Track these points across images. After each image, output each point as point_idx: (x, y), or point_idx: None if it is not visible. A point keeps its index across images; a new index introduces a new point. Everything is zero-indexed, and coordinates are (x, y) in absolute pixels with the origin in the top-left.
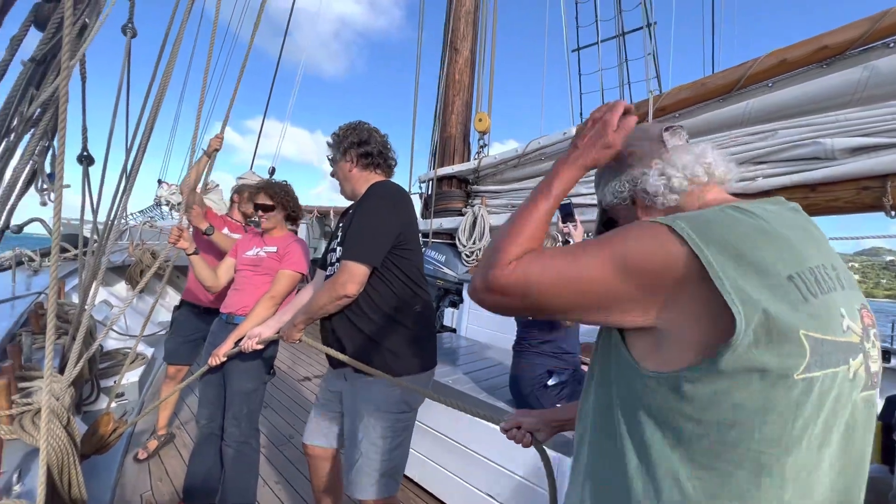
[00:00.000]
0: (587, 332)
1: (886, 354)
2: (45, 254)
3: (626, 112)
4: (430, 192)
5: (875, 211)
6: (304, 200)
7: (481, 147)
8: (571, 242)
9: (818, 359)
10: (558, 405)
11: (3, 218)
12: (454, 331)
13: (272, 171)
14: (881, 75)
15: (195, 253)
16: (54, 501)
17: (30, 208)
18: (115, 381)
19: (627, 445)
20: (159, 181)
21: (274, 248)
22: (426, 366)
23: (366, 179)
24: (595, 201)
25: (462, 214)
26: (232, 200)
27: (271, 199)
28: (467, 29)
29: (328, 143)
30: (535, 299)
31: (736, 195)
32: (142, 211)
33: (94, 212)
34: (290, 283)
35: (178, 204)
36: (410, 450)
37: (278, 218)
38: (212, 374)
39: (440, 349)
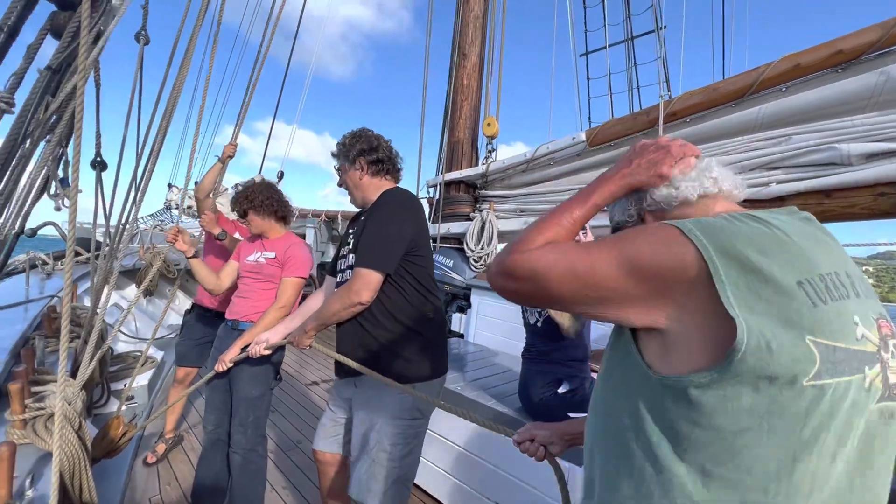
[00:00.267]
0: (597, 340)
1: None
2: (58, 257)
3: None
4: (437, 197)
5: (892, 217)
6: (311, 202)
7: (489, 152)
8: None
9: (830, 366)
10: (569, 414)
11: (18, 223)
12: (462, 336)
13: (280, 175)
14: None
15: (195, 256)
16: None
17: (41, 212)
18: (125, 385)
19: (636, 451)
20: (169, 185)
21: (272, 254)
22: (438, 372)
23: (376, 187)
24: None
25: (470, 219)
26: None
27: (242, 206)
28: (475, 34)
29: (333, 154)
30: (544, 286)
31: (748, 201)
32: (152, 214)
33: (107, 217)
34: (295, 291)
35: (189, 208)
36: (420, 457)
37: (263, 220)
38: (218, 380)
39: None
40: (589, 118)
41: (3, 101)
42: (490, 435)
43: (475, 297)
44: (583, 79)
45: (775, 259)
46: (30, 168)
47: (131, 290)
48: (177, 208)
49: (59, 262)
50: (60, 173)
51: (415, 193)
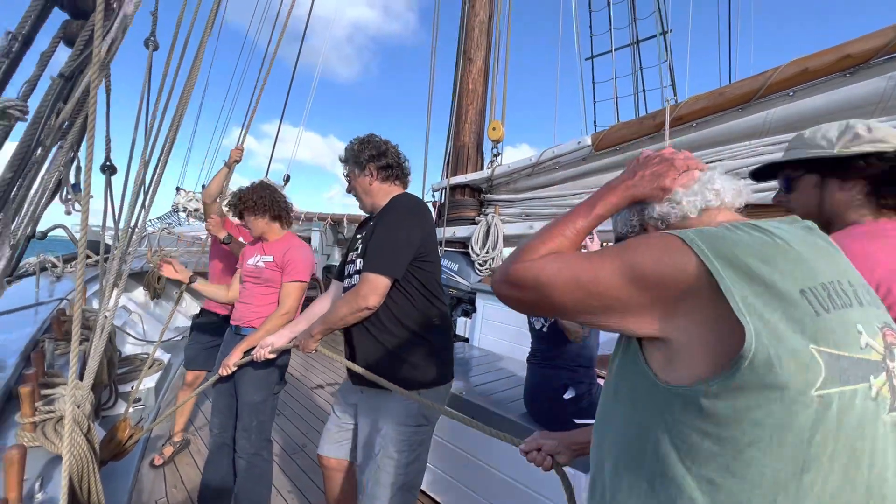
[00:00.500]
0: (604, 345)
1: None
2: (68, 260)
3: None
4: (443, 201)
5: None
6: (317, 204)
7: (495, 156)
8: None
9: (835, 375)
10: (575, 420)
11: (30, 227)
12: (467, 340)
13: (287, 179)
14: None
15: (192, 282)
16: None
17: (51, 214)
18: (132, 387)
19: (644, 461)
20: (177, 188)
21: (271, 258)
22: (444, 378)
23: (386, 192)
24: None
25: (475, 223)
26: None
27: (236, 207)
28: (481, 39)
29: (341, 160)
30: (548, 295)
31: (755, 207)
32: (160, 217)
33: (116, 221)
34: (297, 295)
35: (196, 210)
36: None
37: (258, 221)
38: (224, 384)
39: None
40: (594, 122)
41: (17, 109)
42: (497, 441)
43: (480, 302)
44: (588, 82)
45: (777, 268)
46: (42, 173)
47: (138, 293)
48: (184, 211)
49: (69, 265)
50: (72, 178)
51: (420, 197)
